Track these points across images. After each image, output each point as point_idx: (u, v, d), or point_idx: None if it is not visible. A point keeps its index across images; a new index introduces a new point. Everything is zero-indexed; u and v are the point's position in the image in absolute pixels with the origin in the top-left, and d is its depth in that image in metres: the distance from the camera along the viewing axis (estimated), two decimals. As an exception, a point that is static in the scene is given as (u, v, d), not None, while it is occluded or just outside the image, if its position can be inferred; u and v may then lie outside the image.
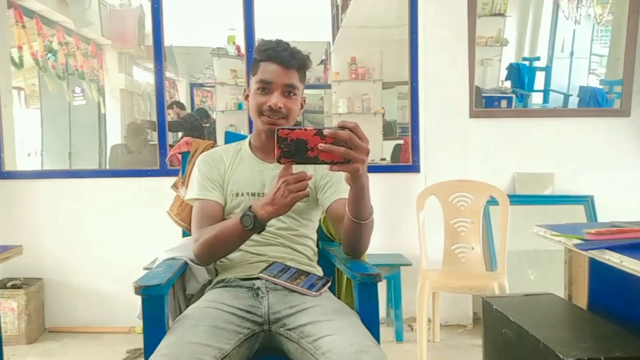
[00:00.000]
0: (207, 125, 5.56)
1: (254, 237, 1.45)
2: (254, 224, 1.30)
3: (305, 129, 1.06)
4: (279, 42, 1.48)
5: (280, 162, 1.07)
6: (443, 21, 3.04)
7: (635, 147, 3.14)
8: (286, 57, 1.45)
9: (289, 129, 1.06)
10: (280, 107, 1.43)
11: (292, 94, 1.46)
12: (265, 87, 1.45)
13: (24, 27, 3.92)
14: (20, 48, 3.94)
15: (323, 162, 1.07)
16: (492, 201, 2.74)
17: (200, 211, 1.48)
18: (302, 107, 1.54)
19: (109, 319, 3.02)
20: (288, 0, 4.82)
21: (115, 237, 3.06)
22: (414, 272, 2.79)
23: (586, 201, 3.06)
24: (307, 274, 1.43)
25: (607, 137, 3.15)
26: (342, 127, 1.07)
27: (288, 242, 1.49)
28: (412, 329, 2.95)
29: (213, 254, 1.44)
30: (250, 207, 1.32)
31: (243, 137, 1.68)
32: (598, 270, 0.97)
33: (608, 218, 2.95)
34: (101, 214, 3.09)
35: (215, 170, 1.53)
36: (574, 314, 0.99)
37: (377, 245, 2.54)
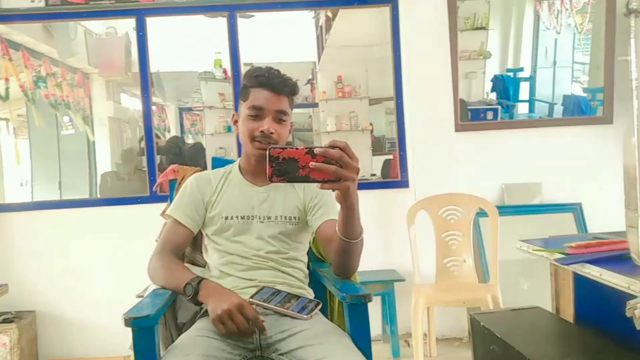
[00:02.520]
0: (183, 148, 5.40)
1: (244, 262, 1.47)
2: (192, 296, 1.32)
3: (297, 148, 1.08)
4: (269, 69, 1.51)
5: (272, 181, 1.09)
6: (425, 37, 3.09)
7: (619, 153, 3.17)
8: (278, 84, 1.48)
9: (280, 148, 1.08)
10: (272, 133, 1.46)
11: (282, 120, 1.49)
12: (257, 114, 1.48)
13: (10, 59, 3.94)
14: (7, 80, 3.95)
15: (314, 180, 1.08)
16: (482, 213, 2.76)
17: (169, 232, 1.52)
18: (290, 131, 1.56)
19: (103, 349, 2.99)
20: (272, 22, 4.86)
21: (107, 265, 3.05)
22: (407, 287, 2.79)
23: (575, 209, 3.09)
24: (298, 297, 1.43)
25: (592, 144, 3.19)
26: (333, 146, 1.09)
27: (278, 265, 1.49)
28: (408, 344, 2.94)
29: (154, 282, 1.48)
30: (201, 280, 1.34)
31: (230, 162, 1.69)
32: (583, 283, 0.98)
33: (597, 224, 2.98)
34: (92, 243, 3.08)
35: (198, 193, 1.54)
36: (561, 327, 1.00)
37: (370, 262, 2.56)
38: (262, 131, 1.45)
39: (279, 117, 1.48)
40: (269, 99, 1.47)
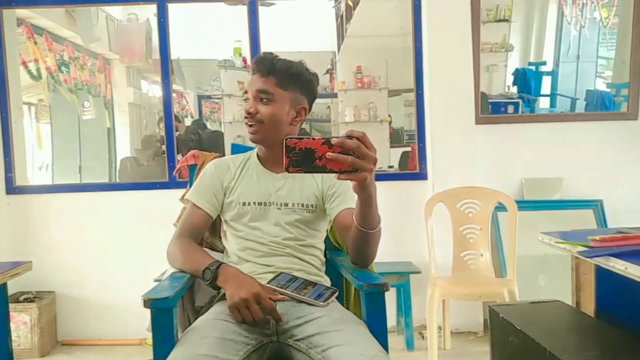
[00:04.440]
0: (203, 135, 5.43)
1: (261, 248, 1.47)
2: (210, 281, 1.34)
3: (314, 138, 1.07)
4: (265, 54, 1.52)
5: (288, 171, 1.08)
6: (447, 28, 3.05)
7: (643, 150, 3.12)
8: (264, 67, 1.48)
9: (297, 138, 1.07)
10: (255, 113, 1.47)
11: (265, 100, 1.48)
12: (246, 97, 1.52)
13: (35, 42, 4.00)
14: (36, 61, 4.02)
15: (331, 171, 1.07)
16: (501, 207, 2.73)
17: (188, 216, 1.54)
18: (299, 114, 1.53)
19: (120, 331, 3.04)
20: (293, 11, 4.85)
21: (125, 249, 3.09)
22: (423, 279, 2.78)
23: (595, 205, 3.04)
24: (315, 284, 1.43)
25: (615, 140, 3.13)
26: (350, 136, 1.08)
27: (295, 252, 1.50)
28: (423, 336, 2.94)
29: (173, 265, 1.50)
30: (220, 265, 1.35)
31: (249, 149, 1.69)
32: (605, 277, 0.96)
33: (617, 222, 2.94)
34: (111, 226, 3.12)
35: (217, 179, 1.55)
36: (581, 321, 0.98)
37: (386, 253, 2.54)
38: (245, 113, 1.49)
39: (260, 96, 1.48)
40: (253, 81, 1.50)
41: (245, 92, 1.52)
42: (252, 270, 1.47)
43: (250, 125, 1.49)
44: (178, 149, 3.42)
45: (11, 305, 2.77)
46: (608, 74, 4.32)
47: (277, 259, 1.48)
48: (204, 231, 1.57)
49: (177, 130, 5.31)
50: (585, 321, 0.98)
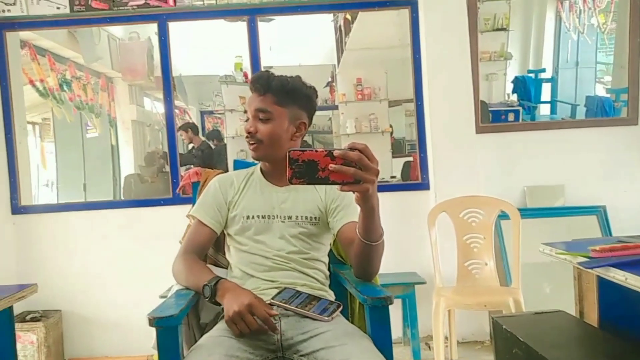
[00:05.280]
0: (217, 146, 5.51)
1: (265, 262, 1.48)
2: (210, 297, 1.36)
3: (316, 151, 1.09)
4: (261, 73, 1.55)
5: (292, 183, 1.10)
6: (445, 39, 3.07)
7: (644, 155, 3.12)
8: (262, 85, 1.50)
9: (300, 151, 1.09)
10: (255, 132, 1.49)
11: (264, 118, 1.49)
12: (247, 116, 1.54)
13: (38, 63, 4.05)
14: (42, 81, 4.08)
15: (333, 183, 1.09)
16: (504, 215, 2.74)
17: (192, 233, 1.56)
18: (299, 129, 1.55)
19: (127, 347, 3.04)
20: (292, 26, 4.89)
21: (131, 266, 3.10)
22: (428, 289, 2.78)
23: (598, 212, 3.04)
24: (319, 299, 1.44)
25: (617, 146, 3.14)
26: (352, 149, 1.09)
27: (300, 266, 1.50)
28: (429, 347, 2.93)
29: (178, 282, 1.52)
30: (218, 281, 1.36)
31: (251, 165, 1.71)
32: (607, 286, 0.97)
33: (622, 227, 2.93)
34: (116, 244, 3.13)
35: (221, 194, 1.57)
36: (585, 331, 0.99)
37: (391, 264, 2.55)
38: (245, 132, 1.51)
39: (258, 115, 1.50)
40: (251, 100, 1.52)
41: (245, 111, 1.54)
42: (257, 285, 1.47)
43: (252, 144, 1.51)
44: (182, 162, 3.43)
45: (18, 325, 2.79)
46: (607, 79, 4.33)
47: (282, 274, 1.48)
48: (208, 247, 1.59)
49: (191, 142, 5.36)
50: (589, 332, 0.98)
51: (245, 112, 1.54)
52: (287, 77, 1.53)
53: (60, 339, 3.07)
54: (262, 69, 3.26)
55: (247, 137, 1.51)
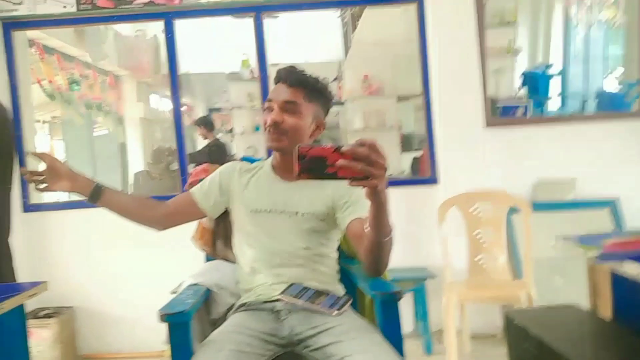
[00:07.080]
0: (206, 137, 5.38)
1: (273, 257, 1.48)
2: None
3: (325, 146, 1.09)
4: (292, 66, 1.53)
5: (300, 178, 1.10)
6: (452, 34, 3.05)
7: (655, 147, 3.09)
8: (290, 78, 1.50)
9: (308, 146, 1.09)
10: (277, 122, 1.47)
11: (292, 111, 1.48)
12: (269, 106, 1.51)
13: (47, 62, 4.07)
14: (50, 81, 4.10)
15: (342, 178, 1.08)
16: (514, 210, 2.72)
17: (179, 197, 1.66)
18: (318, 128, 1.56)
19: (140, 343, 3.06)
20: (298, 22, 4.88)
21: (142, 262, 3.11)
22: (440, 283, 2.77)
23: (611, 205, 3.01)
24: (327, 293, 1.44)
25: (628, 139, 3.10)
26: (361, 144, 1.09)
27: (308, 262, 1.50)
28: (441, 341, 2.92)
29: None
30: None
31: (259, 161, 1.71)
32: (621, 281, 0.95)
33: (635, 220, 2.91)
34: (126, 240, 3.13)
35: (218, 178, 1.62)
36: (598, 326, 0.97)
37: (401, 259, 2.54)
38: (269, 121, 1.48)
39: (286, 107, 1.48)
40: (278, 91, 1.51)
41: (269, 100, 1.51)
42: (265, 281, 1.48)
43: (274, 134, 1.49)
44: (190, 161, 3.43)
45: (31, 321, 2.81)
46: (617, 73, 4.29)
47: (290, 270, 1.48)
48: (178, 207, 1.64)
49: (206, 138, 5.31)
50: (603, 326, 0.97)
51: (270, 101, 1.51)
52: (312, 74, 1.54)
53: (73, 335, 3.10)
54: (269, 66, 3.26)
55: (269, 127, 1.49)
